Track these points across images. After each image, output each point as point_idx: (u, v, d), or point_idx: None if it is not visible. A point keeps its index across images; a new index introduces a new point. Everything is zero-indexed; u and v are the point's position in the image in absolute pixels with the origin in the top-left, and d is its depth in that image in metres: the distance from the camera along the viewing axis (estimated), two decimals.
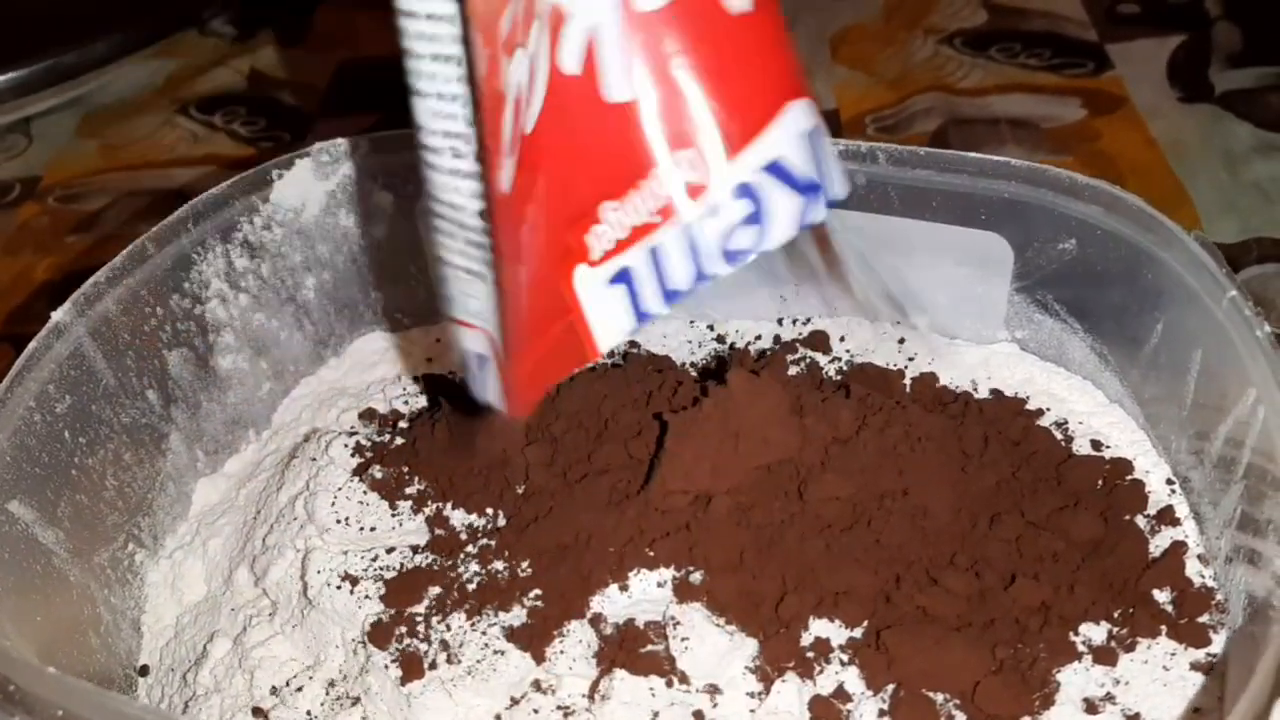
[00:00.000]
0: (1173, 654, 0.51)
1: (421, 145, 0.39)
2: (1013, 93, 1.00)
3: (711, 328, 0.72)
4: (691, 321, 0.72)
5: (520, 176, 0.35)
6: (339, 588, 0.54)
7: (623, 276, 0.35)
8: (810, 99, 0.35)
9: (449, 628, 0.51)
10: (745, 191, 0.34)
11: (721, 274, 0.35)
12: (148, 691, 0.58)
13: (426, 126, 0.38)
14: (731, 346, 0.70)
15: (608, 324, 0.36)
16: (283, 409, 0.71)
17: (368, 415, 0.65)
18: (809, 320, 0.70)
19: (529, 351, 0.38)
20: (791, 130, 0.34)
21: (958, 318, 0.66)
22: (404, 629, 0.52)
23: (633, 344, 0.70)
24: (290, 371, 0.72)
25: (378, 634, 0.52)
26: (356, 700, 0.52)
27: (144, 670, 0.60)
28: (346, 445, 0.60)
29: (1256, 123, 0.93)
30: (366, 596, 0.53)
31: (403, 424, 0.63)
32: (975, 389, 0.64)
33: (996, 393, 0.63)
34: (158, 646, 0.61)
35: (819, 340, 0.68)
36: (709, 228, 0.34)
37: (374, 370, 0.72)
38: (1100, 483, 0.58)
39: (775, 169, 0.34)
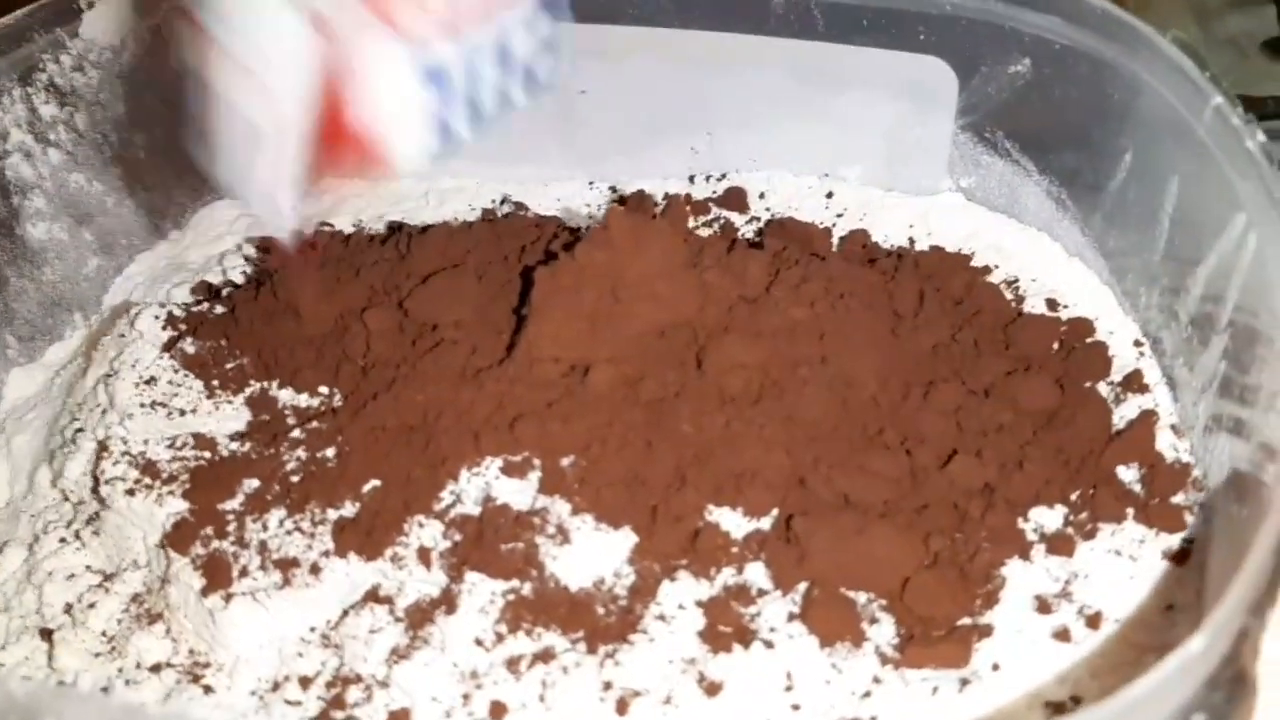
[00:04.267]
0: (1141, 541, 0.43)
1: None
2: None
3: (614, 189, 0.62)
4: (591, 182, 0.63)
5: None
6: (136, 483, 0.44)
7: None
8: None
9: (265, 527, 0.42)
10: None
11: None
12: None
13: None
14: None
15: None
16: (115, 289, 0.61)
17: (200, 289, 0.55)
18: (724, 176, 0.60)
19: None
20: None
21: (894, 165, 0.57)
22: (210, 530, 0.42)
23: (519, 205, 0.61)
24: (122, 245, 0.61)
25: (178, 536, 0.42)
26: (158, 617, 0.43)
27: None
28: (158, 317, 0.50)
29: None
30: (169, 493, 0.44)
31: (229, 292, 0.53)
32: (913, 246, 0.55)
33: (938, 249, 0.54)
34: None
35: (735, 198, 0.59)
36: None
37: (221, 243, 0.62)
38: (1056, 345, 0.49)
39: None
